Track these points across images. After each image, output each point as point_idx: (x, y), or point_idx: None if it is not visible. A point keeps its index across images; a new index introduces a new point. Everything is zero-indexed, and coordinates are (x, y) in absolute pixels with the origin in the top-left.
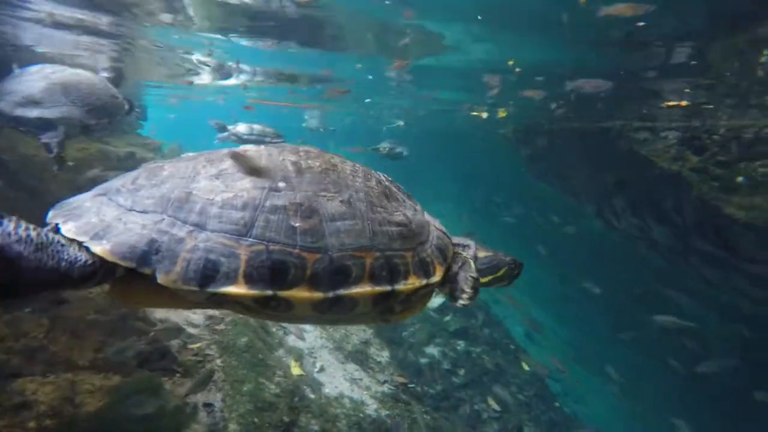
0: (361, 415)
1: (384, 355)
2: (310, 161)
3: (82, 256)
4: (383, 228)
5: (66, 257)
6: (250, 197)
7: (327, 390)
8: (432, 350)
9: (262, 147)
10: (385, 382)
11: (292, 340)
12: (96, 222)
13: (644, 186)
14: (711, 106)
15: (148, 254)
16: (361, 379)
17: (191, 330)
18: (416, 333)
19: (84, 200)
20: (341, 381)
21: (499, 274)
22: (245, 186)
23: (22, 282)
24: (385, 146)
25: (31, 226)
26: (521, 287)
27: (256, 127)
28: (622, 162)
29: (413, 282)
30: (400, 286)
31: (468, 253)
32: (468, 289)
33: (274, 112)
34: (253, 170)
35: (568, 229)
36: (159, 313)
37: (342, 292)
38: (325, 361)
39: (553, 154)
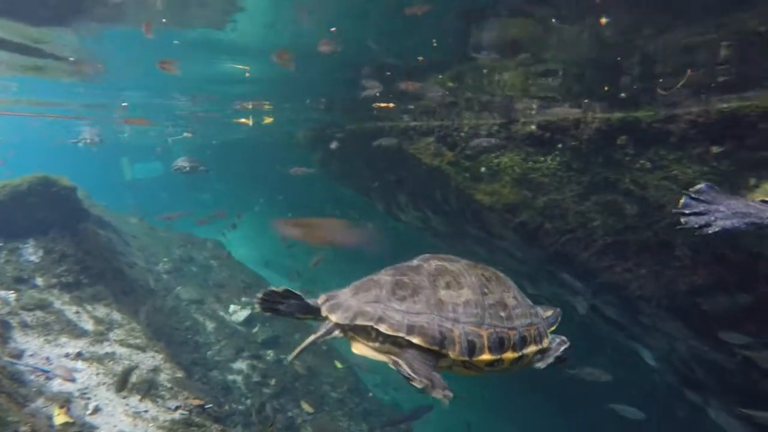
0: None
1: (177, 379)
2: (486, 272)
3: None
4: (527, 311)
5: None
6: (476, 300)
7: None
8: (240, 365)
9: (455, 263)
10: (177, 408)
11: (57, 385)
12: (401, 320)
13: (418, 181)
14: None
15: (442, 341)
16: (146, 411)
17: None
18: (222, 350)
19: (371, 303)
20: (122, 418)
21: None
22: (468, 294)
23: None
24: (185, 164)
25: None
26: (334, 287)
27: None
28: (396, 160)
29: (541, 344)
30: (536, 347)
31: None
32: (559, 354)
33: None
34: (463, 285)
35: (368, 226)
36: None
37: (525, 351)
38: (102, 399)
39: (341, 156)
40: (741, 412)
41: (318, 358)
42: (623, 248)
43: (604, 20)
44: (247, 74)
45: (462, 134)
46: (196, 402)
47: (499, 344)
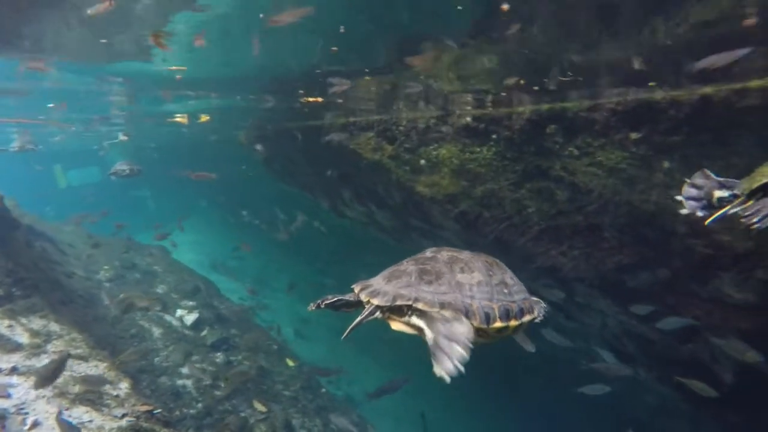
0: None
1: (123, 387)
2: (488, 259)
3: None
4: (521, 288)
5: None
6: (485, 281)
7: None
8: (189, 369)
9: (462, 253)
10: (124, 415)
11: None
12: (433, 299)
13: (360, 176)
14: (401, 104)
15: (467, 313)
16: (91, 421)
17: None
18: (170, 355)
19: (425, 289)
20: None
21: None
22: (479, 276)
23: None
24: (123, 168)
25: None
26: (280, 284)
27: None
28: (338, 156)
29: (533, 314)
30: (531, 316)
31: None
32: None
33: None
34: (473, 269)
35: (315, 224)
36: None
37: (523, 319)
38: (41, 413)
39: (283, 154)
40: (677, 381)
41: (270, 357)
42: (557, 232)
43: None
44: (178, 77)
45: (401, 128)
46: (144, 408)
47: (506, 314)
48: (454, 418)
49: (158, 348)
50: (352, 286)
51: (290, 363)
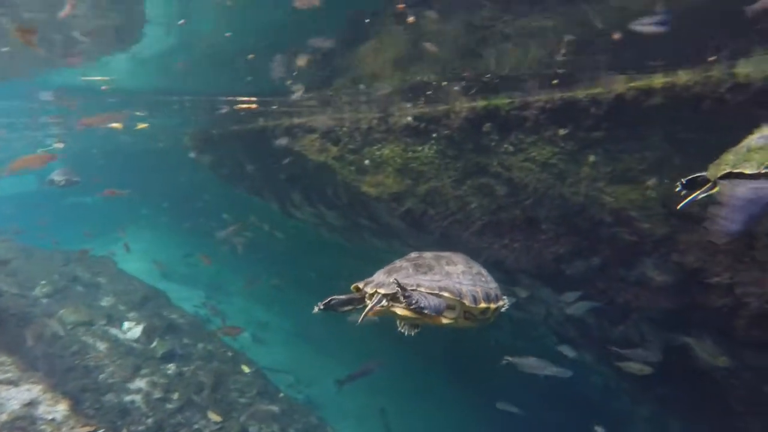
0: None
1: (60, 410)
2: (464, 256)
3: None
4: (493, 279)
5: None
6: (467, 271)
7: None
8: (138, 383)
9: (443, 252)
10: None
11: None
12: (431, 285)
13: (308, 177)
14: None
15: (459, 295)
16: None
17: None
18: (116, 371)
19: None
20: None
21: None
22: (462, 268)
23: None
24: (59, 179)
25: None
26: (245, 293)
27: None
28: (284, 158)
29: (504, 301)
30: (502, 302)
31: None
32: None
33: None
34: (456, 263)
35: (266, 227)
36: None
37: (498, 303)
38: None
39: (230, 158)
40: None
41: (224, 365)
42: (498, 227)
43: None
44: (104, 87)
45: (344, 129)
46: (85, 429)
47: (487, 297)
48: (415, 412)
49: (103, 364)
50: (354, 285)
51: (245, 369)
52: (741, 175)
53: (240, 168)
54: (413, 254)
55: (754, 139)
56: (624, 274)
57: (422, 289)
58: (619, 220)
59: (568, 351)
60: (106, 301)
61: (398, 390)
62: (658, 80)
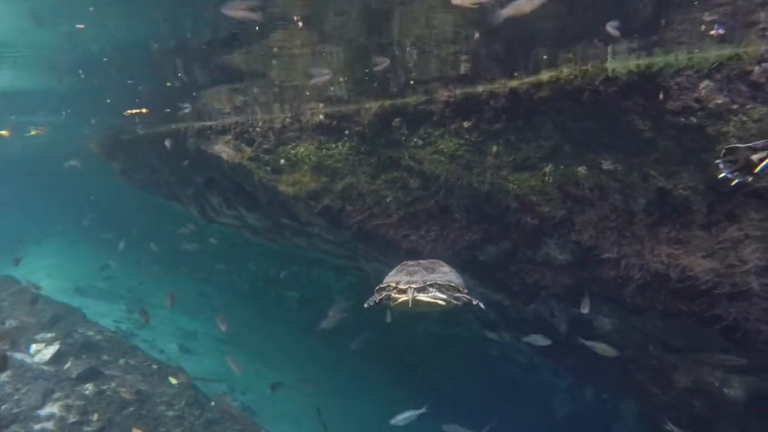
0: None
1: None
2: (441, 262)
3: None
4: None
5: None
6: (452, 270)
7: None
8: (49, 409)
9: (433, 260)
10: None
11: None
12: (438, 278)
13: (225, 179)
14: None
15: (459, 287)
16: None
17: None
18: (22, 399)
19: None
20: None
21: None
22: (448, 269)
23: None
24: None
25: None
26: (159, 300)
27: None
28: (198, 161)
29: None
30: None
31: None
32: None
33: None
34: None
35: (184, 231)
36: None
37: (465, 291)
38: None
39: (142, 163)
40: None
41: (148, 379)
42: (414, 218)
43: None
44: None
45: (258, 129)
46: None
47: (464, 287)
48: (351, 409)
49: (6, 394)
50: (377, 288)
51: (173, 381)
52: None
53: (154, 173)
54: (411, 262)
55: None
56: (531, 256)
57: (441, 282)
58: (523, 205)
59: (541, 341)
60: (9, 324)
61: (332, 388)
62: (545, 75)
